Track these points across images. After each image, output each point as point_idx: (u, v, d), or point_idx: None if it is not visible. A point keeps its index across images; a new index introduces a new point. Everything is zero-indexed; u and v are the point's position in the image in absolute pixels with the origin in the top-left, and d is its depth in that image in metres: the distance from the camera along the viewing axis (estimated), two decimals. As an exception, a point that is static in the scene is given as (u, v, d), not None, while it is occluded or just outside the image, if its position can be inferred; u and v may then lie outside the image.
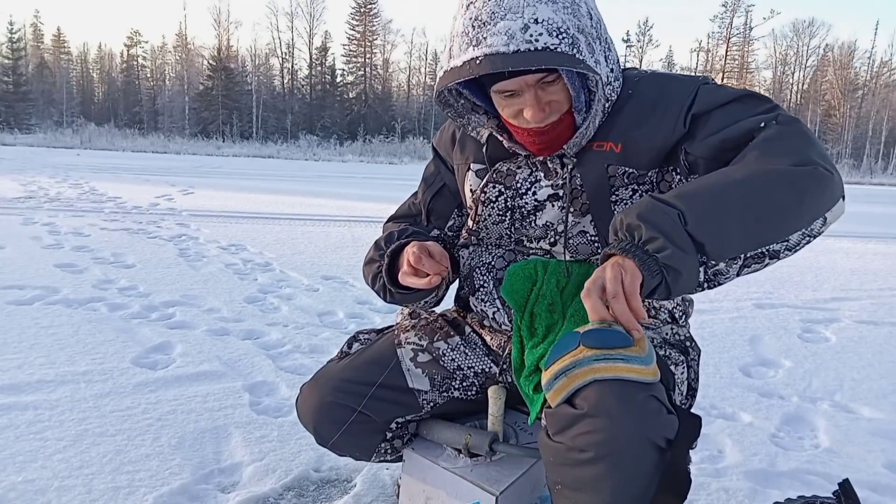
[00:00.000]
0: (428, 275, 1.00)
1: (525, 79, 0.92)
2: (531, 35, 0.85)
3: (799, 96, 48.52)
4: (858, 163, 39.09)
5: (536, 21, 0.86)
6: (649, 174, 1.00)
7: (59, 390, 1.86)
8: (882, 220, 9.42)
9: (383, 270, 1.13)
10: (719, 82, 1.01)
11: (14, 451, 1.50)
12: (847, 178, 30.69)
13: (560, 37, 0.86)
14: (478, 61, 0.88)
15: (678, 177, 0.98)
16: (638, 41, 49.32)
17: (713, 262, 0.81)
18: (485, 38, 0.87)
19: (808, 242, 0.85)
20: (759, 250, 0.82)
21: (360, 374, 1.13)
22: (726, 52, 45.46)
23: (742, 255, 0.82)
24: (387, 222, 1.28)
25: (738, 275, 0.84)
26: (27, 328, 2.43)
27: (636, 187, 1.00)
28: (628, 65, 1.10)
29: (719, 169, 0.89)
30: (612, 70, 0.99)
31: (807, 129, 0.90)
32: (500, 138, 1.07)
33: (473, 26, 0.89)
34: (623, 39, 49.19)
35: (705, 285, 0.83)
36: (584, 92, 0.98)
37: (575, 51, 0.87)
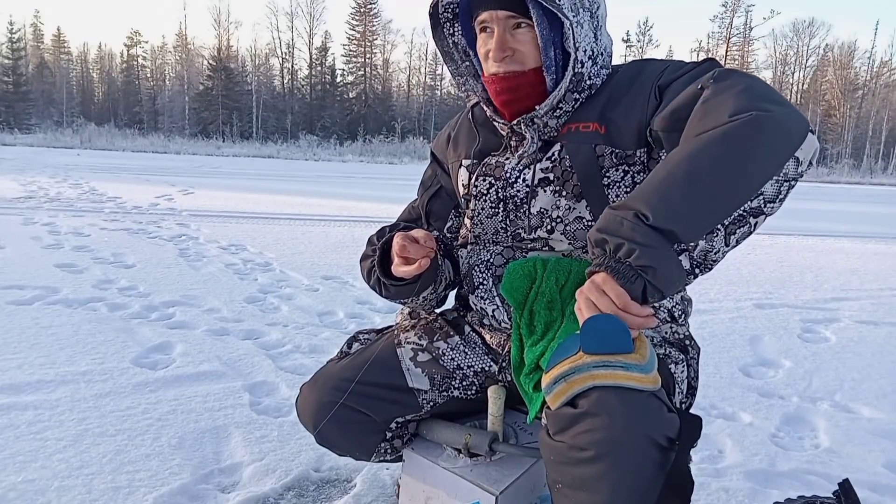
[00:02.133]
0: (417, 261, 1.02)
1: (497, 13, 0.96)
2: None
3: (799, 96, 48.48)
4: (858, 163, 39.07)
5: None
6: (637, 154, 1.00)
7: (59, 390, 1.86)
8: (882, 220, 9.42)
9: (376, 264, 1.14)
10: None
11: (14, 451, 1.50)
12: (847, 178, 30.68)
13: None
14: None
15: (665, 154, 0.99)
16: (638, 41, 49.34)
17: (692, 245, 0.79)
18: None
19: (791, 187, 0.81)
20: (735, 214, 0.78)
21: (360, 374, 1.13)
22: (726, 52, 45.46)
23: (720, 226, 0.78)
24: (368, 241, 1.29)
25: (727, 244, 0.80)
26: (27, 328, 2.43)
27: (627, 168, 1.01)
28: (626, 64, 1.13)
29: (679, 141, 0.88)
30: (601, 54, 1.02)
31: (742, 77, 0.86)
32: (485, 108, 1.10)
33: None
34: (623, 39, 49.20)
35: (697, 271, 0.81)
36: (555, 50, 0.99)
37: None
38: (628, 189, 1.02)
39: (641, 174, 1.02)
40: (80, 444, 1.55)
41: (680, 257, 0.79)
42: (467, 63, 1.11)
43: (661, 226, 0.77)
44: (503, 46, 0.98)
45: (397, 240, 1.03)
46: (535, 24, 0.95)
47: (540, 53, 0.99)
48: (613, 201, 1.01)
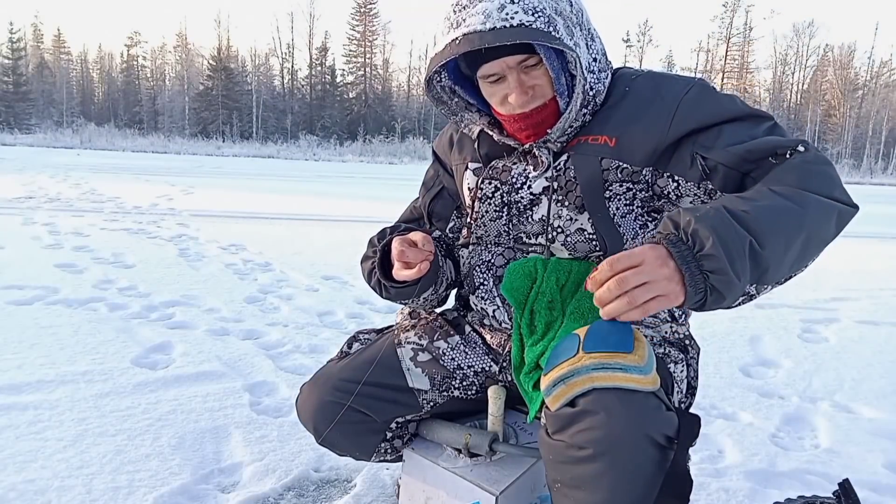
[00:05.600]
0: (417, 265, 1.01)
1: (506, 61, 0.96)
2: (507, 14, 0.90)
3: (799, 96, 48.50)
4: (858, 163, 39.06)
5: (513, 1, 0.90)
6: (643, 172, 1.00)
7: (59, 390, 1.86)
8: (882, 220, 9.42)
9: (376, 266, 1.14)
10: (713, 83, 1.02)
11: (14, 451, 1.50)
12: (847, 178, 30.72)
13: (535, 15, 0.90)
14: (457, 42, 0.92)
15: (673, 183, 0.99)
16: (638, 41, 49.36)
17: (765, 287, 0.83)
18: (464, 20, 0.92)
19: None
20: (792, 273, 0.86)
21: (360, 374, 1.13)
22: (726, 52, 45.46)
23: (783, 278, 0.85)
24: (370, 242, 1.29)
25: (760, 294, 0.85)
26: (27, 328, 2.43)
27: (630, 185, 1.00)
28: (628, 65, 1.11)
29: (745, 180, 0.92)
30: (595, 59, 1.00)
31: (827, 157, 0.92)
32: (491, 133, 1.10)
33: (455, 11, 0.95)
34: (623, 39, 49.24)
35: (734, 305, 0.83)
36: (565, 75, 0.99)
37: (551, 29, 0.90)
38: (629, 204, 1.01)
39: (644, 192, 1.01)
40: (80, 444, 1.55)
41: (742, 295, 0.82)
42: (456, 99, 1.11)
43: (764, 262, 0.78)
44: (524, 89, 0.98)
45: (396, 245, 1.03)
46: (545, 59, 0.95)
47: (551, 82, 0.98)
48: (614, 214, 1.01)
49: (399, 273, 1.05)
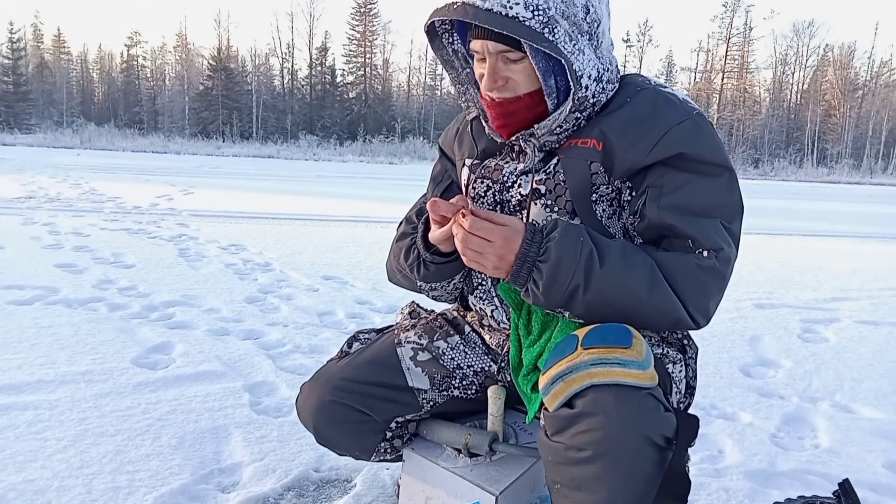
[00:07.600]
0: (450, 219, 0.99)
1: (488, 44, 0.95)
2: (508, 1, 0.89)
3: (799, 96, 48.49)
4: (858, 163, 39.06)
5: None
6: (616, 182, 1.00)
7: (59, 390, 1.86)
8: (882, 220, 9.42)
9: (418, 239, 1.11)
10: (711, 117, 1.01)
11: (14, 451, 1.50)
12: (847, 178, 30.78)
13: (535, 12, 0.89)
14: (455, 6, 0.92)
15: (627, 195, 1.00)
16: (638, 41, 49.34)
17: (575, 315, 0.93)
18: None
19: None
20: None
21: (360, 374, 1.13)
22: (726, 52, 45.43)
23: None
24: (399, 225, 1.27)
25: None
26: (27, 328, 2.43)
27: (612, 187, 1.01)
28: (629, 66, 1.10)
29: (661, 240, 0.96)
30: (607, 69, 0.99)
31: (726, 274, 0.94)
32: (483, 124, 1.09)
33: None
34: (623, 40, 49.19)
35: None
36: (556, 79, 0.97)
37: (545, 30, 0.89)
38: (610, 204, 1.01)
39: (615, 196, 1.01)
40: (80, 444, 1.55)
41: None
42: (468, 70, 1.10)
43: (578, 304, 0.89)
44: (494, 77, 0.97)
45: (430, 202, 1.01)
46: (531, 57, 0.93)
47: (535, 80, 0.97)
48: (601, 217, 1.01)
49: (435, 234, 1.02)
